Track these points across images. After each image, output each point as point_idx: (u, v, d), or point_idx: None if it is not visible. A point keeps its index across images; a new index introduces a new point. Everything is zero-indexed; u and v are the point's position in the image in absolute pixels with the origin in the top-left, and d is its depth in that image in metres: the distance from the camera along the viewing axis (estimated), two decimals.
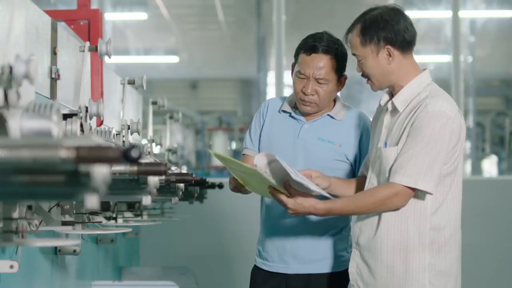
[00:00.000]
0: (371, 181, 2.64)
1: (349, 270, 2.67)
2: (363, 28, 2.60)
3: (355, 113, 2.98)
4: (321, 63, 2.84)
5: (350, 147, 2.92)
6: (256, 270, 3.04)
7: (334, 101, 2.99)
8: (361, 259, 2.63)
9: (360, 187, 2.74)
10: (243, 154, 3.05)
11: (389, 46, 2.57)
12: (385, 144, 2.59)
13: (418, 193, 2.52)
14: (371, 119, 2.85)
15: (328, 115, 2.95)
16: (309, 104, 2.88)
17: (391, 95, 2.65)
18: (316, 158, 2.90)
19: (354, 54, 2.65)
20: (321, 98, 2.87)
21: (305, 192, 2.52)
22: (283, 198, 2.51)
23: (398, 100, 2.60)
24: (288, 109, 2.99)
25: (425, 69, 2.64)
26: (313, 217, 2.84)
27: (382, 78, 2.60)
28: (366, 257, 2.61)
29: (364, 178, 2.74)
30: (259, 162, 2.51)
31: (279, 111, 3.01)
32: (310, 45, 2.86)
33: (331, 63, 2.85)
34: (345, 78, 2.92)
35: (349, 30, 2.65)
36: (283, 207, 2.55)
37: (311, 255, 2.92)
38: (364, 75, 2.64)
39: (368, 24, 2.59)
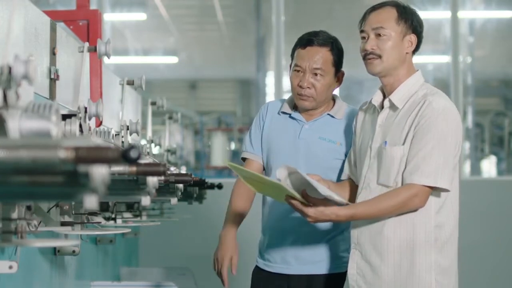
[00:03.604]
0: (366, 181, 2.62)
1: (349, 271, 2.65)
2: (402, 8, 2.62)
3: (354, 111, 2.98)
4: (317, 55, 2.85)
5: (350, 146, 2.92)
6: (257, 271, 3.04)
7: (334, 100, 2.99)
8: (362, 259, 2.62)
9: (353, 190, 2.73)
10: (242, 158, 3.05)
11: (415, 36, 2.61)
12: (385, 143, 2.58)
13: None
14: (355, 120, 2.81)
15: (328, 114, 2.95)
16: (306, 98, 2.88)
17: (383, 94, 2.66)
18: (317, 157, 2.90)
19: (376, 29, 2.57)
20: (318, 92, 2.87)
21: (324, 200, 2.48)
22: (303, 207, 2.47)
23: (396, 97, 2.59)
24: (288, 110, 2.99)
25: (418, 70, 2.66)
26: None
27: (393, 63, 2.59)
28: (369, 256, 2.60)
29: (351, 181, 2.74)
30: (281, 174, 2.50)
31: (278, 113, 3.01)
32: (306, 39, 2.89)
33: (327, 55, 2.86)
34: (343, 74, 2.92)
35: (381, 6, 2.62)
36: (302, 215, 2.50)
37: (313, 256, 2.91)
38: (374, 53, 2.58)
39: (407, 8, 2.63)
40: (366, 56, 2.60)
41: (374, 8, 2.63)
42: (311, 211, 2.46)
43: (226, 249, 2.95)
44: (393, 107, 2.61)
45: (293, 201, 2.47)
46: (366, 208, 2.53)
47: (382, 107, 2.65)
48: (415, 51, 2.65)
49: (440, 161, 2.47)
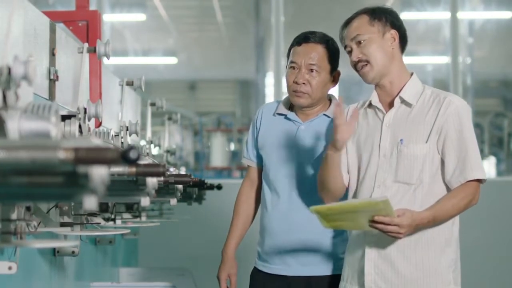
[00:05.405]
0: (379, 179, 2.59)
1: (366, 271, 2.62)
2: (371, 11, 2.65)
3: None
4: (313, 51, 2.86)
5: None
6: (255, 272, 3.03)
7: (330, 101, 2.99)
8: (380, 258, 2.60)
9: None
10: (243, 164, 3.10)
11: (395, 31, 2.63)
12: (401, 141, 2.59)
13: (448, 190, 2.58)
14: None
15: (324, 114, 2.94)
16: (302, 95, 2.87)
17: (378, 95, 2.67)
18: (312, 158, 2.89)
19: (354, 38, 2.61)
20: (313, 89, 2.86)
21: (404, 209, 2.47)
22: (393, 218, 2.42)
23: (407, 95, 2.62)
24: (284, 111, 2.98)
25: (412, 72, 2.70)
26: (311, 220, 2.84)
27: (383, 63, 2.60)
28: (390, 255, 2.58)
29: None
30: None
31: (274, 114, 3.00)
32: (302, 36, 2.90)
33: (322, 52, 2.87)
34: (339, 73, 2.92)
35: (352, 18, 2.66)
36: (395, 232, 2.45)
37: (312, 257, 2.90)
38: (361, 61, 2.61)
39: (376, 9, 2.67)
40: (356, 66, 2.64)
41: (346, 23, 2.68)
42: (403, 219, 2.43)
43: (223, 268, 3.07)
44: (405, 103, 2.62)
45: (381, 218, 2.42)
46: (445, 208, 2.53)
47: (387, 106, 2.66)
48: (404, 48, 2.67)
49: (478, 155, 2.58)
